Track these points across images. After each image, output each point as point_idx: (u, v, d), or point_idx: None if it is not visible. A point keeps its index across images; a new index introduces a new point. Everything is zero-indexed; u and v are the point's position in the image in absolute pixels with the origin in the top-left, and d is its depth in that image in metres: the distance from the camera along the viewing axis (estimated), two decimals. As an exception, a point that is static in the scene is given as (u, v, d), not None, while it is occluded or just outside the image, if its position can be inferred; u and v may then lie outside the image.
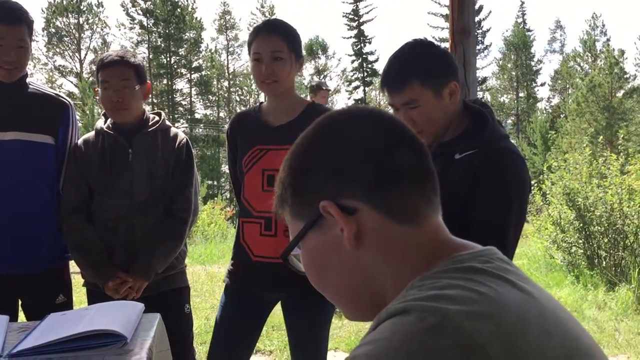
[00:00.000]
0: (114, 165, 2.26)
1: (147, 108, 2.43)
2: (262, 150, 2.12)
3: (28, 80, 2.33)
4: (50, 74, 38.72)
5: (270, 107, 2.21)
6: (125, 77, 2.23)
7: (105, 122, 2.34)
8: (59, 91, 2.60)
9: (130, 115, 2.29)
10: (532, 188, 8.32)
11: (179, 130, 2.43)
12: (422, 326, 0.62)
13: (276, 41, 2.08)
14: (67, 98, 2.44)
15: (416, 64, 1.66)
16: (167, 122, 2.40)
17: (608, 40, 39.86)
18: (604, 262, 6.87)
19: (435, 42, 1.85)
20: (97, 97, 2.32)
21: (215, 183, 37.79)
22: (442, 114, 1.68)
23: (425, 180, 0.79)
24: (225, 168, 41.08)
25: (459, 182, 1.64)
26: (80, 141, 2.34)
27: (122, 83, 2.23)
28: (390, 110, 1.72)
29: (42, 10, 37.80)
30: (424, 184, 0.79)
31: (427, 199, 0.79)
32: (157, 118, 2.38)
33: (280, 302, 2.23)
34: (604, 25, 44.48)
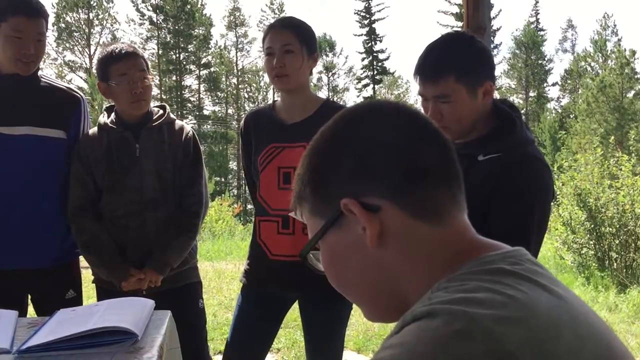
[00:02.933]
0: (122, 161, 2.23)
1: (153, 102, 2.40)
2: (278, 148, 2.10)
3: (40, 73, 2.31)
4: (60, 69, 38.85)
5: (284, 105, 2.19)
6: (142, 68, 2.23)
7: (109, 117, 2.31)
8: (70, 84, 2.58)
9: (148, 106, 2.28)
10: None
11: (184, 123, 2.40)
12: (449, 331, 0.59)
13: (287, 35, 2.08)
14: (79, 92, 2.42)
15: (454, 57, 1.59)
16: (172, 115, 2.37)
17: (619, 40, 39.55)
18: (615, 264, 6.82)
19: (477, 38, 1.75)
20: (108, 92, 2.27)
21: (223, 180, 37.87)
22: (472, 113, 1.62)
23: (450, 177, 0.76)
24: (233, 165, 41.18)
25: (481, 184, 1.59)
26: (82, 138, 2.30)
27: (140, 74, 2.22)
28: (418, 102, 1.66)
29: (53, 5, 37.95)
30: (449, 181, 0.75)
31: (452, 197, 0.75)
32: (161, 111, 2.35)
33: (297, 300, 2.21)
34: (615, 25, 44.05)
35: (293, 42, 2.08)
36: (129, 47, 2.26)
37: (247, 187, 2.38)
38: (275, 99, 2.28)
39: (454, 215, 0.75)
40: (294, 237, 2.05)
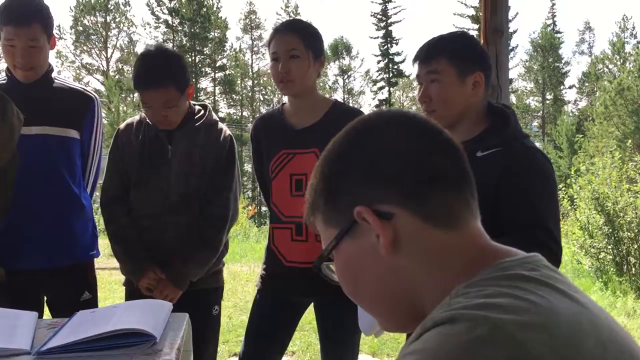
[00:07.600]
0: (152, 160, 2.22)
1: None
2: (289, 154, 2.10)
3: (54, 75, 2.32)
4: (78, 71, 39.23)
5: (293, 109, 2.18)
6: (168, 99, 2.11)
7: None
8: (85, 86, 2.59)
9: (176, 124, 2.22)
10: (559, 191, 8.21)
11: (225, 127, 2.32)
12: (472, 336, 0.58)
13: (292, 39, 2.06)
14: (93, 92, 2.42)
15: (450, 43, 1.72)
16: (214, 117, 2.30)
17: (638, 42, 39.07)
18: (634, 269, 6.74)
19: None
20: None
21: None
22: (460, 98, 1.68)
23: (462, 183, 0.76)
24: (248, 167, 41.28)
25: (483, 180, 1.60)
26: (122, 126, 2.31)
27: (164, 104, 2.12)
28: (412, 98, 1.71)
29: (71, 9, 38.35)
30: (461, 187, 0.76)
31: (465, 203, 0.75)
32: (202, 112, 2.29)
33: (313, 304, 2.22)
34: (634, 28, 43.51)
35: (298, 46, 2.05)
36: (151, 74, 2.11)
37: (262, 193, 2.36)
38: (285, 102, 2.26)
39: (467, 221, 0.75)
40: (308, 244, 2.05)
